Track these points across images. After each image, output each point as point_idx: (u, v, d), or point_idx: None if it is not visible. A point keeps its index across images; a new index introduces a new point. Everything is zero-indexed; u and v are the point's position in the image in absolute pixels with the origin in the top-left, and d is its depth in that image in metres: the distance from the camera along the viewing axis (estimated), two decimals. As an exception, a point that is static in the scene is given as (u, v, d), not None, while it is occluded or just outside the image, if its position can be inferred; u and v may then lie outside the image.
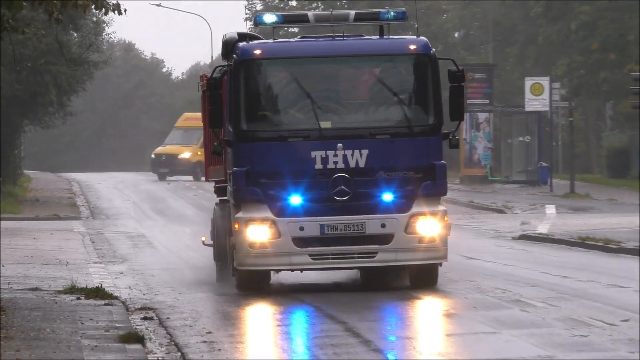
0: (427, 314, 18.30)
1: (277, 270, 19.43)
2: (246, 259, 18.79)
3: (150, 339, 17.89)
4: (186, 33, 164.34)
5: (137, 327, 19.22)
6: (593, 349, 14.99)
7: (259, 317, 20.27)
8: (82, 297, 22.58)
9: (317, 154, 18.92)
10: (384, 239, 19.00)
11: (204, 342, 17.88)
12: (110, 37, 68.55)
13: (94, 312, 21.00)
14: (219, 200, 23.00)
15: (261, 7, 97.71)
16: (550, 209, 52.49)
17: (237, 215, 18.91)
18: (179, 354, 16.66)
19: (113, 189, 68.42)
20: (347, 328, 16.79)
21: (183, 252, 35.40)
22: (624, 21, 65.32)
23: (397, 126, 19.32)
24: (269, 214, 18.82)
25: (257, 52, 19.25)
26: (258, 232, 18.88)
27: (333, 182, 18.90)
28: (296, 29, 59.42)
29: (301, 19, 20.80)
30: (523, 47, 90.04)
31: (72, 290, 23.78)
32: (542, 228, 40.71)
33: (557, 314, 18.14)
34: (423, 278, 19.60)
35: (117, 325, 19.15)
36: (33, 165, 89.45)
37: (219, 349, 16.91)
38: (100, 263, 32.52)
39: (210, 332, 18.75)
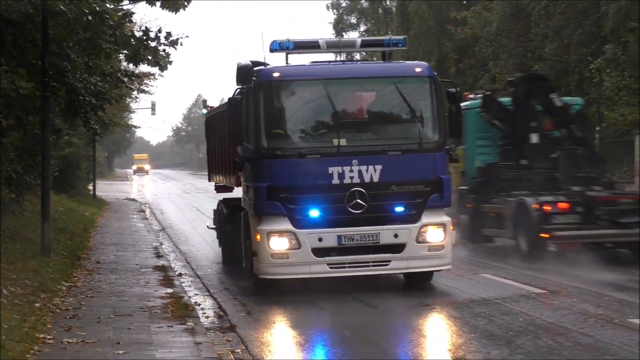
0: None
1: (297, 279, 16.95)
2: (268, 268, 16.41)
3: (149, 214, 42.50)
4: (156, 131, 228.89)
5: (147, 214, 41.08)
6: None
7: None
8: (131, 201, 52.67)
9: (334, 170, 16.30)
10: (397, 248, 16.50)
11: (181, 229, 34.29)
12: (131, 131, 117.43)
13: (137, 207, 46.71)
14: (223, 199, 22.35)
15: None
16: None
17: (259, 227, 16.53)
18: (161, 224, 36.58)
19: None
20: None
21: (167, 193, 66.37)
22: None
23: (407, 143, 16.72)
24: (289, 226, 16.22)
25: (276, 74, 16.72)
26: (279, 243, 16.27)
27: (349, 195, 16.25)
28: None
29: (313, 45, 17.94)
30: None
31: (126, 199, 56.05)
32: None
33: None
34: (419, 277, 17.47)
35: (144, 211, 43.07)
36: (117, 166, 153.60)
37: (187, 240, 29.55)
38: (138, 192, 70.76)
39: (185, 234, 32.08)
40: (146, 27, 19.93)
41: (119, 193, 62.96)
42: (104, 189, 62.81)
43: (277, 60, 17.96)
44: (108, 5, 18.92)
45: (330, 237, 16.32)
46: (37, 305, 14.30)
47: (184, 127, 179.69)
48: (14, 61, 20.21)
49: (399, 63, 18.53)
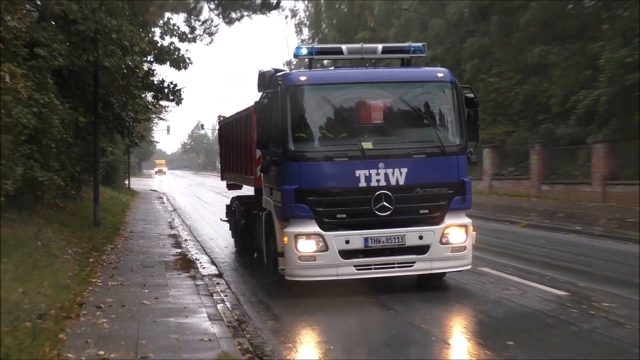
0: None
1: (324, 281, 11.71)
2: (296, 271, 11.54)
3: (165, 200, 40.63)
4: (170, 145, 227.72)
5: (164, 200, 40.08)
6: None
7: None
8: (153, 192, 51.35)
9: (361, 173, 11.47)
10: (421, 249, 11.78)
11: (187, 210, 32.79)
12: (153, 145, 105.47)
13: (157, 196, 45.54)
14: (237, 196, 17.60)
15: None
16: None
17: (286, 230, 11.67)
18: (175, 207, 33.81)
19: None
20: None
21: (177, 186, 65.69)
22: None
23: (431, 146, 11.82)
24: (317, 229, 11.46)
25: (303, 78, 11.85)
26: (307, 245, 11.50)
27: (376, 198, 11.46)
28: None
29: (335, 51, 13.12)
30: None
31: (150, 190, 54.49)
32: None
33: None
34: (433, 274, 12.41)
35: (162, 198, 42.15)
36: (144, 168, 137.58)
37: (190, 217, 28.45)
38: (158, 185, 67.09)
39: (190, 213, 30.65)
40: (162, 79, 20.96)
41: (145, 186, 61.99)
42: (135, 183, 62.10)
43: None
44: (137, 58, 18.85)
45: (357, 239, 11.57)
46: (91, 260, 14.37)
47: (189, 142, 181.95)
48: (76, 98, 20.48)
49: (421, 68, 13.41)
